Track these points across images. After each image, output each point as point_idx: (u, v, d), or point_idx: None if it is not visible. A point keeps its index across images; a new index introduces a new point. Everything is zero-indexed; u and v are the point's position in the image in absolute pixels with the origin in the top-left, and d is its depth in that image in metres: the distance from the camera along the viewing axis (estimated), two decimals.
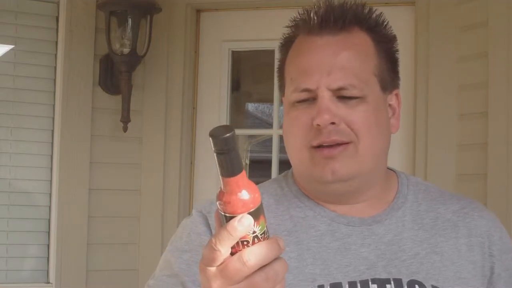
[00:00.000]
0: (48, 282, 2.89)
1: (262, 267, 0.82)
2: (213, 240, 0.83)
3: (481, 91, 2.61)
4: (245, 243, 0.83)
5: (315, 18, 1.17)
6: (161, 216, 3.01)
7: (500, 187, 2.50)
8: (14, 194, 2.89)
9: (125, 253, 3.01)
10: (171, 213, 3.01)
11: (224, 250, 0.82)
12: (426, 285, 1.13)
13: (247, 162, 3.92)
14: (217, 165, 0.81)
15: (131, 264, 3.00)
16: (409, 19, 2.86)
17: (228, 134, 0.79)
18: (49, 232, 2.91)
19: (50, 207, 2.91)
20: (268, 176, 3.03)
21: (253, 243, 0.83)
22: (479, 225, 1.22)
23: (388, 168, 1.27)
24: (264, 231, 0.84)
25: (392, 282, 1.13)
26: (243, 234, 0.82)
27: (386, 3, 2.84)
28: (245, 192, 0.82)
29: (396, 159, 2.81)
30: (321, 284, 1.12)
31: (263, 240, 0.84)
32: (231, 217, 0.82)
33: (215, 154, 0.80)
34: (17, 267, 2.89)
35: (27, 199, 2.92)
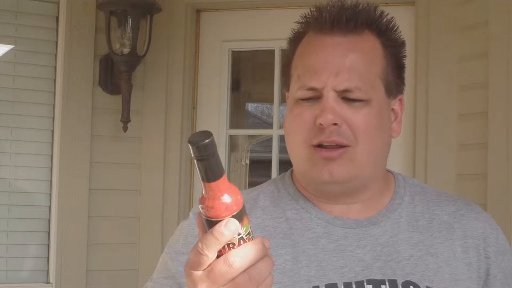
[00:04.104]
0: (48, 282, 2.89)
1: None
2: (200, 245, 0.83)
3: (481, 91, 2.61)
4: (231, 245, 0.83)
5: (327, 16, 1.17)
6: (161, 216, 3.01)
7: (500, 187, 2.50)
8: (14, 194, 2.89)
9: (125, 253, 3.01)
10: (171, 213, 3.01)
11: (211, 255, 0.83)
12: (420, 286, 1.14)
13: (247, 162, 3.92)
14: (198, 171, 0.81)
15: (131, 264, 3.00)
16: (409, 19, 2.86)
17: (207, 140, 0.79)
18: (49, 232, 2.91)
19: (50, 207, 2.91)
20: (268, 176, 3.03)
21: (239, 244, 0.83)
22: (474, 227, 1.22)
23: (386, 170, 1.27)
24: (248, 232, 0.85)
25: (387, 283, 1.13)
26: (229, 238, 0.83)
27: (386, 3, 2.84)
28: (227, 196, 0.83)
29: (396, 159, 2.81)
30: (316, 285, 1.12)
31: (248, 241, 0.84)
32: (216, 222, 0.83)
33: (195, 160, 0.80)
34: (17, 267, 2.89)
35: (27, 199, 2.92)
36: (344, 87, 1.14)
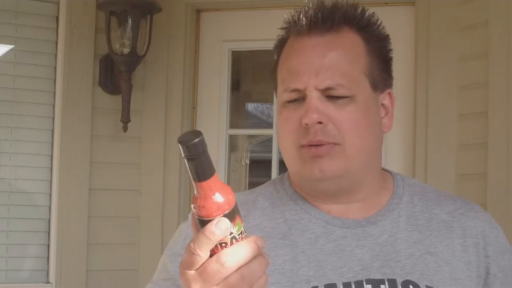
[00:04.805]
0: (48, 282, 2.89)
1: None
2: (192, 245, 0.84)
3: (481, 91, 2.61)
4: (223, 244, 0.84)
5: (304, 19, 1.18)
6: (161, 216, 3.01)
7: (500, 187, 2.50)
8: (14, 194, 2.89)
9: (125, 253, 3.01)
10: (171, 213, 3.01)
11: (203, 254, 0.84)
12: (420, 285, 1.14)
13: (247, 162, 3.91)
14: (189, 171, 0.82)
15: (131, 264, 3.00)
16: (409, 19, 2.86)
17: (197, 140, 0.80)
18: (49, 232, 2.91)
19: (50, 207, 2.91)
20: (268, 176, 3.03)
21: (231, 243, 0.84)
22: (474, 226, 1.22)
23: (384, 170, 1.28)
24: (241, 231, 0.85)
25: (386, 283, 1.13)
26: (221, 238, 0.83)
27: (386, 3, 2.84)
28: (219, 195, 0.83)
29: (396, 159, 2.81)
30: (315, 285, 1.13)
31: (241, 240, 0.85)
32: (208, 221, 0.83)
33: (185, 160, 0.81)
34: (17, 267, 2.89)
35: (27, 199, 2.92)
36: (326, 85, 1.15)
